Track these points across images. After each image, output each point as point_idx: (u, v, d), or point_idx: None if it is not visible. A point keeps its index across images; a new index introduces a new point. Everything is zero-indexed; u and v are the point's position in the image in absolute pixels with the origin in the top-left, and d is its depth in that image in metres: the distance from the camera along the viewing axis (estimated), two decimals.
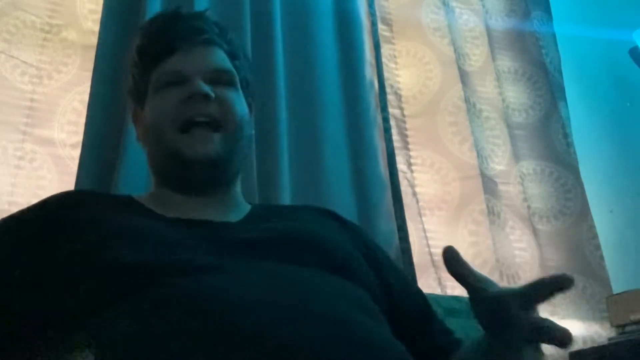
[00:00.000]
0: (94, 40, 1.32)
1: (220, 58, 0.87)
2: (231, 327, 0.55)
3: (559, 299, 1.67)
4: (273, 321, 0.57)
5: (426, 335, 0.83)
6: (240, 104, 0.86)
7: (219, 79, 0.85)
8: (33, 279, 0.68)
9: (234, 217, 0.84)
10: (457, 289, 1.56)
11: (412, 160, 1.71)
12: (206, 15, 0.92)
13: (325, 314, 0.61)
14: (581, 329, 1.65)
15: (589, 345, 1.62)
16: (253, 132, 0.92)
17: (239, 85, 0.89)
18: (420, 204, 1.65)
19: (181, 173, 0.82)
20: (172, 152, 0.81)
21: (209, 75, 0.84)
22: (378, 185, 1.49)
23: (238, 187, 0.89)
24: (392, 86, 1.75)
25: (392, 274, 0.86)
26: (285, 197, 1.30)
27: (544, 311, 1.64)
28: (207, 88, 0.81)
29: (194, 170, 0.81)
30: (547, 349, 1.80)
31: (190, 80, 0.83)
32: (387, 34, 1.82)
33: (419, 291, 0.91)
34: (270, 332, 0.55)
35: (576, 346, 1.61)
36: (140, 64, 0.89)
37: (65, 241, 0.70)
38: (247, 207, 0.89)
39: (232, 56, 0.90)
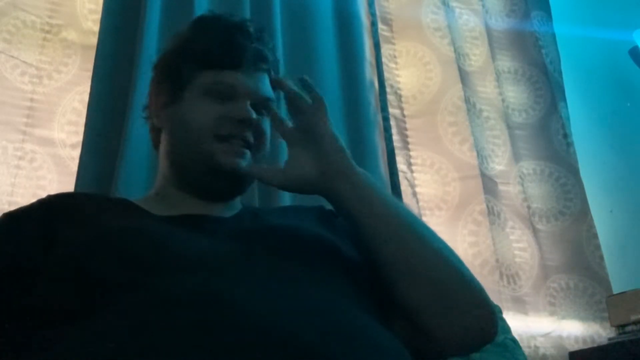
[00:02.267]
0: (94, 40, 1.32)
1: (268, 87, 0.90)
2: (226, 321, 0.56)
3: (559, 299, 1.67)
4: (265, 316, 0.57)
5: None
6: (269, 133, 0.90)
7: (263, 106, 0.88)
8: (27, 277, 0.68)
9: (226, 213, 0.86)
10: None
11: (412, 160, 1.71)
12: (267, 38, 0.94)
13: (319, 308, 0.62)
14: (581, 329, 1.65)
15: (589, 345, 1.62)
16: None
17: None
18: (420, 204, 1.65)
19: (206, 178, 0.85)
20: (205, 156, 0.83)
21: (257, 101, 0.87)
22: None
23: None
24: (392, 86, 1.75)
25: None
26: (285, 197, 1.30)
27: (545, 311, 1.64)
28: (255, 115, 0.85)
29: (219, 178, 0.84)
30: (546, 349, 1.79)
31: (240, 101, 0.85)
32: (387, 34, 1.82)
33: None
34: (262, 327, 0.56)
35: (576, 346, 1.62)
36: (195, 58, 0.88)
37: (58, 242, 0.71)
38: (239, 205, 0.92)
39: (274, 86, 0.93)
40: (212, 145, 0.83)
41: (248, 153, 0.85)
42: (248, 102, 0.85)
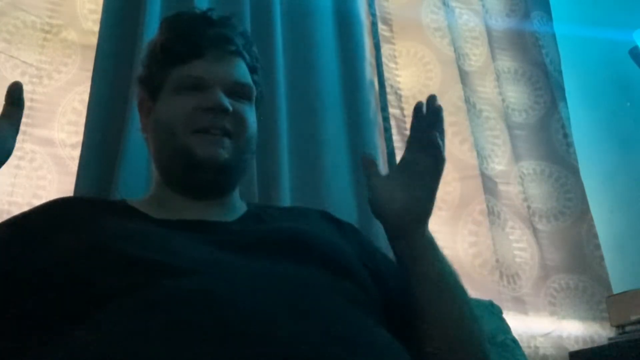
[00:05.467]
0: (94, 40, 1.32)
1: (242, 71, 0.88)
2: (223, 327, 0.55)
3: (559, 299, 1.67)
4: (265, 320, 0.57)
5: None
6: (252, 119, 0.88)
7: (238, 92, 0.86)
8: (32, 279, 0.68)
9: (230, 217, 0.85)
10: None
11: None
12: (234, 23, 0.92)
13: (319, 311, 0.61)
14: (581, 329, 1.65)
15: (589, 345, 1.62)
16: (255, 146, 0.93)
17: (254, 100, 0.90)
18: None
19: (188, 172, 0.83)
20: (183, 151, 0.82)
21: (229, 87, 0.85)
22: None
23: (237, 192, 0.91)
24: (392, 86, 1.75)
25: (390, 275, 0.86)
26: (285, 197, 1.30)
27: (545, 311, 1.64)
28: (227, 102, 0.83)
29: (202, 172, 0.82)
30: (546, 349, 1.79)
31: (210, 90, 0.83)
32: (387, 34, 1.82)
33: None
34: (262, 330, 0.55)
35: (576, 346, 1.62)
36: (161, 58, 0.88)
37: (56, 247, 0.70)
38: (243, 208, 0.90)
39: (252, 69, 0.91)
40: (189, 139, 0.81)
41: (227, 141, 0.82)
42: (219, 90, 0.83)
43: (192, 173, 0.83)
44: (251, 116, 0.88)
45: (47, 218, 0.76)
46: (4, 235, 0.76)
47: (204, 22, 0.89)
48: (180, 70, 0.86)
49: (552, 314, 1.65)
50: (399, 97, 1.77)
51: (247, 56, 0.90)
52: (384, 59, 1.74)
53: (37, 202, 0.89)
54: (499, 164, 1.79)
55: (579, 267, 1.72)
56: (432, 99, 0.81)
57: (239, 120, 0.85)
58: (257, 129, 0.90)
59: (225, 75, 0.86)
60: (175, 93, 0.85)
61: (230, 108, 0.83)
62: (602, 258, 1.73)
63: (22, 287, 0.68)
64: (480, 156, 1.72)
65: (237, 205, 0.90)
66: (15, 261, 0.71)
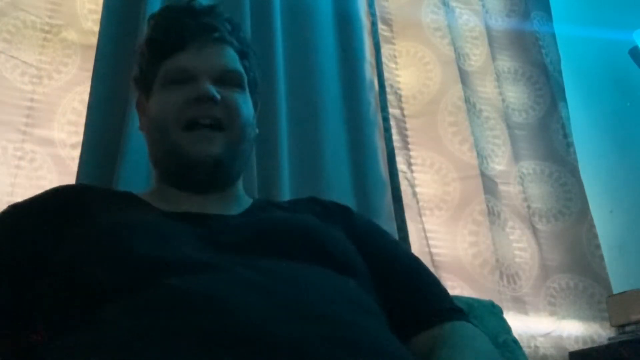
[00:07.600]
0: (94, 40, 1.32)
1: (229, 58, 0.87)
2: (225, 326, 0.55)
3: (559, 299, 1.67)
4: (267, 320, 0.56)
5: (421, 298, 0.79)
6: (245, 106, 0.86)
7: (227, 80, 0.85)
8: (34, 268, 0.68)
9: (234, 210, 0.84)
10: (457, 289, 1.56)
11: (412, 160, 1.71)
12: (218, 11, 0.90)
13: (319, 312, 0.61)
14: (581, 329, 1.65)
15: (589, 345, 1.62)
16: (257, 131, 0.91)
17: (246, 86, 0.88)
18: (420, 204, 1.65)
19: (182, 171, 0.82)
20: (175, 150, 0.81)
21: (217, 75, 0.84)
22: (378, 185, 1.49)
23: (240, 184, 0.90)
24: (392, 86, 1.75)
25: (380, 245, 0.85)
26: (285, 197, 1.30)
27: (545, 311, 1.64)
28: (213, 91, 0.81)
29: (195, 170, 0.81)
30: (546, 349, 1.78)
31: (197, 81, 0.82)
32: (387, 34, 1.82)
33: (412, 256, 0.88)
34: (263, 331, 0.55)
35: (576, 346, 1.62)
36: (148, 54, 0.88)
37: (69, 232, 0.70)
38: (248, 202, 0.89)
39: (242, 55, 0.90)
40: (179, 137, 0.80)
41: (218, 135, 0.81)
42: (206, 79, 0.82)
43: (186, 171, 0.82)
44: (243, 103, 0.86)
45: (53, 205, 0.76)
46: (9, 221, 0.75)
47: (187, 14, 0.88)
48: (166, 65, 0.85)
49: (552, 314, 1.65)
50: (399, 97, 1.77)
51: (235, 42, 0.89)
52: (384, 59, 1.74)
53: None
54: (499, 164, 1.79)
55: (579, 267, 1.72)
56: None
57: (230, 108, 0.83)
58: (253, 116, 0.88)
59: (211, 64, 0.84)
60: (164, 88, 0.84)
61: (218, 96, 0.81)
62: (602, 258, 1.74)
63: (29, 277, 0.67)
64: (480, 156, 1.72)
65: (241, 199, 0.89)
66: (25, 249, 0.70)
